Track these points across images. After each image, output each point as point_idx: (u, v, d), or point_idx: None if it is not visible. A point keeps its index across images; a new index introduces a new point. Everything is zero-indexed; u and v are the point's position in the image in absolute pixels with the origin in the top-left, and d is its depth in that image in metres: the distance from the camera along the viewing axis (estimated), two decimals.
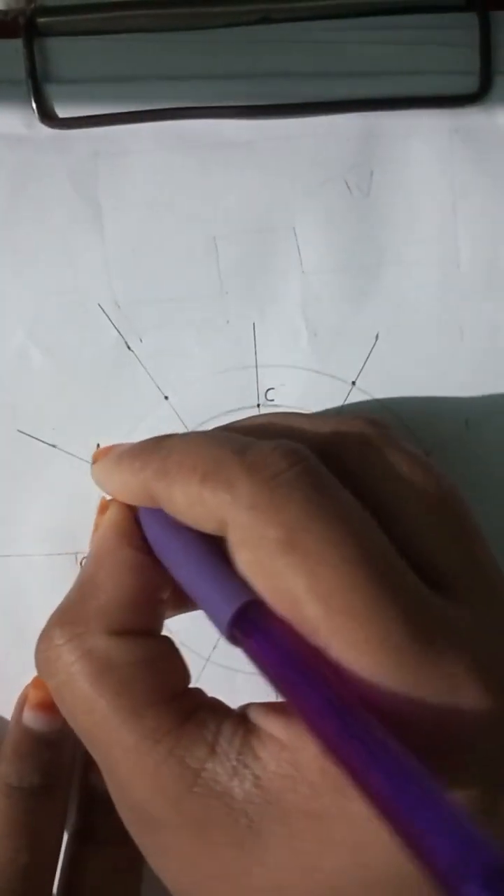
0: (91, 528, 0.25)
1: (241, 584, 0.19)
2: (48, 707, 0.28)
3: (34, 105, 0.27)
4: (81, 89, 0.27)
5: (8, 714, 0.28)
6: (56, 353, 0.28)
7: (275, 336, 0.28)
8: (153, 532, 0.22)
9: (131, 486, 0.22)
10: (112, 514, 0.23)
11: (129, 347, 0.28)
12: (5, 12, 0.26)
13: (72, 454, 0.28)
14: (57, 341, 0.28)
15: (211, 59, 0.27)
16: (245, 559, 0.19)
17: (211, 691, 0.28)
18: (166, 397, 0.28)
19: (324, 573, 0.18)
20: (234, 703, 0.28)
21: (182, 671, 0.22)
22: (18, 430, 0.28)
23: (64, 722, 0.28)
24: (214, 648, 0.28)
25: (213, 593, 0.20)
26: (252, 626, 0.19)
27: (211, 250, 0.28)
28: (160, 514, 0.22)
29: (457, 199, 0.27)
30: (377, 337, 0.28)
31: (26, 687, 0.29)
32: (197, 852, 0.19)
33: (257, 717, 0.20)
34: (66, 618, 0.21)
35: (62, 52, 0.27)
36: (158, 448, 0.22)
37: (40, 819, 0.27)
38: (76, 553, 0.28)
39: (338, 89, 0.27)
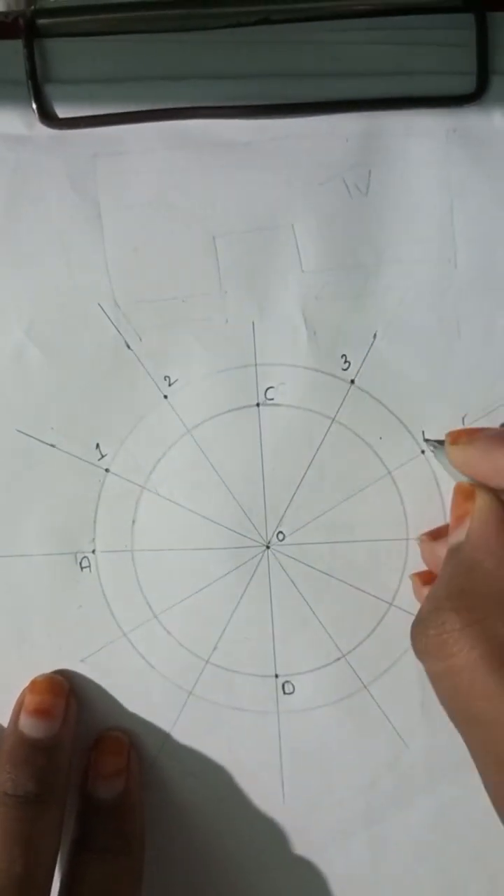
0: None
1: None
2: (45, 712, 0.27)
3: (34, 105, 0.27)
4: (81, 90, 0.27)
5: (6, 718, 0.28)
6: (55, 352, 0.28)
7: (274, 335, 0.28)
8: None
9: None
10: (489, 500, 0.23)
11: (128, 346, 0.28)
12: (6, 13, 0.27)
13: (71, 454, 0.28)
14: (56, 341, 0.28)
15: (210, 60, 0.27)
16: None
17: (210, 692, 0.28)
18: (165, 396, 0.28)
19: None
20: (232, 703, 0.28)
21: None
22: (17, 430, 0.28)
23: (60, 728, 0.27)
24: (214, 650, 0.28)
25: None
26: None
27: (210, 249, 0.28)
28: None
29: (454, 198, 0.28)
30: (375, 335, 0.28)
31: (23, 692, 0.28)
32: None
33: None
34: (463, 603, 0.21)
35: (62, 53, 0.27)
36: None
37: (36, 828, 0.26)
38: (75, 553, 0.28)
39: (336, 89, 0.27)
